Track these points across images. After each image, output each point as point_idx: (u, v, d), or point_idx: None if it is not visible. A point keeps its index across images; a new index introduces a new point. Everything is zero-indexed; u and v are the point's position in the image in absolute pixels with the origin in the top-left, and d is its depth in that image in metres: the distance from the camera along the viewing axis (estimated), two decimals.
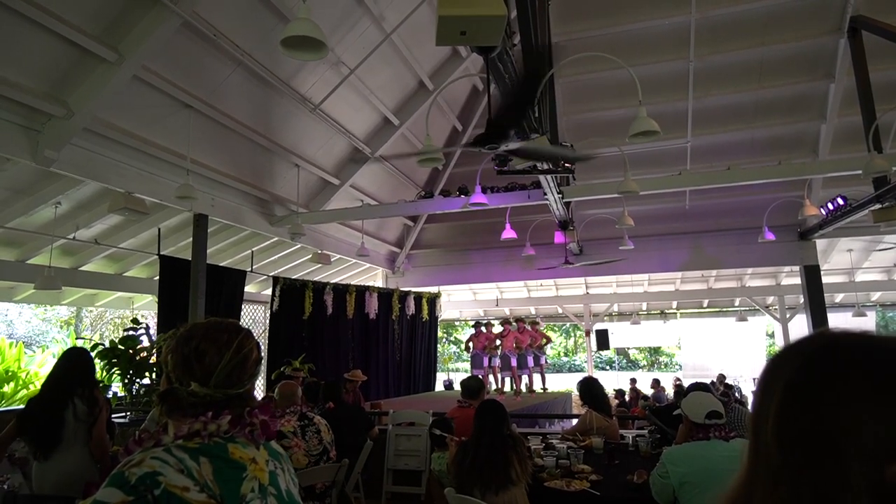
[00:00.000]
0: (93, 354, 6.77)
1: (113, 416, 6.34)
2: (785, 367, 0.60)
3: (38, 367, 11.42)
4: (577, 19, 7.53)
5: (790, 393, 0.57)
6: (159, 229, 7.13)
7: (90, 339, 15.77)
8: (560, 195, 6.84)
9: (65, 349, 4.23)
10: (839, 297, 14.40)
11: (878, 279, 13.59)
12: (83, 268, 7.93)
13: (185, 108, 5.41)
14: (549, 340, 10.66)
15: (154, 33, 4.33)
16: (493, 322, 10.90)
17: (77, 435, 3.14)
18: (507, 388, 10.31)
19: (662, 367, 32.11)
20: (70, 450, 3.11)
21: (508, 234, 8.12)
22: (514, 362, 9.72)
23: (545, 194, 6.66)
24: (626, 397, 12.46)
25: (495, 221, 9.33)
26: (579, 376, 5.24)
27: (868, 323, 15.77)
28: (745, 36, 7.42)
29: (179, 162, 5.64)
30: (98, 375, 6.65)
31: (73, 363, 3.34)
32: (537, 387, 10.09)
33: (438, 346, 14.61)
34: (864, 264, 12.35)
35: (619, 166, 7.29)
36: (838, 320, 13.29)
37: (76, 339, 15.35)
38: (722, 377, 13.19)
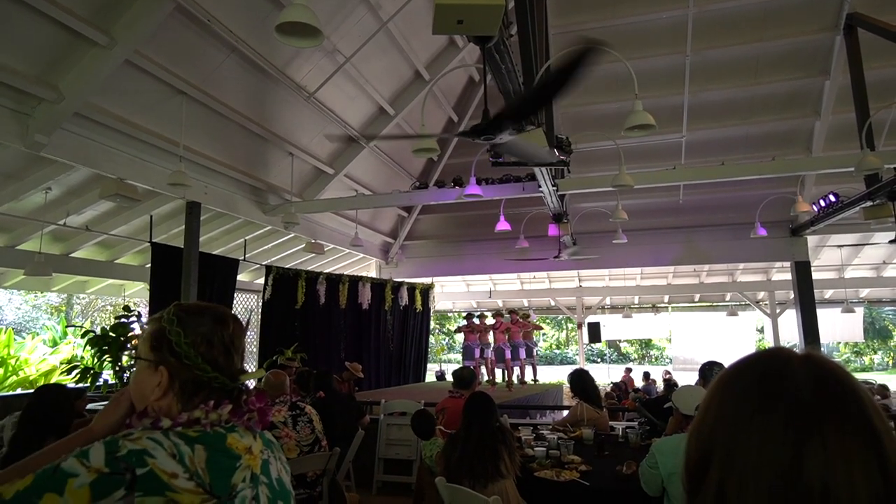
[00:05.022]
0: (83, 342, 6.76)
1: (105, 404, 6.37)
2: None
3: (28, 354, 11.37)
4: (575, 12, 7.50)
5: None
6: (151, 216, 7.07)
7: (81, 326, 15.68)
8: (555, 188, 6.84)
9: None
10: (829, 294, 14.52)
11: (867, 276, 13.72)
12: (74, 254, 7.86)
13: (178, 95, 5.34)
14: (539, 328, 10.73)
15: (147, 17, 4.28)
16: (485, 314, 10.93)
17: None
18: (498, 379, 10.37)
19: (653, 360, 32.34)
20: None
21: (503, 226, 8.11)
22: (507, 354, 9.78)
23: (540, 186, 6.66)
24: (623, 385, 12.53)
25: (490, 213, 9.33)
26: (570, 368, 5.25)
27: (856, 319, 15.96)
28: (742, 31, 7.42)
29: (172, 149, 5.58)
30: (89, 363, 6.66)
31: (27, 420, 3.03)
32: (528, 378, 10.16)
33: (431, 337, 14.63)
34: (854, 261, 12.46)
35: (613, 160, 7.29)
36: (827, 316, 13.43)
37: (66, 325, 15.26)
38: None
